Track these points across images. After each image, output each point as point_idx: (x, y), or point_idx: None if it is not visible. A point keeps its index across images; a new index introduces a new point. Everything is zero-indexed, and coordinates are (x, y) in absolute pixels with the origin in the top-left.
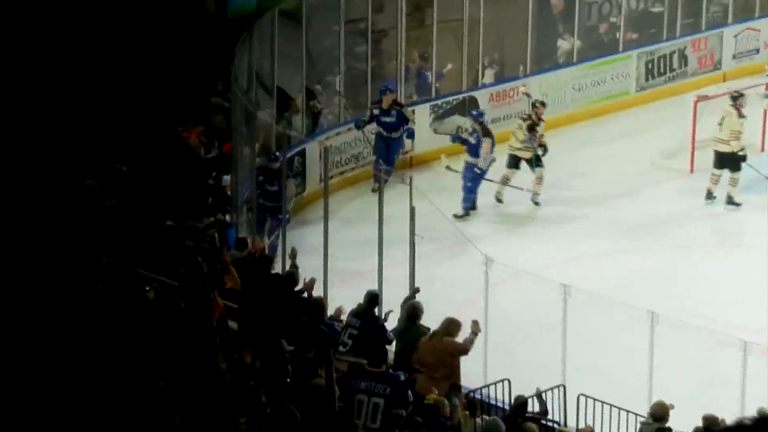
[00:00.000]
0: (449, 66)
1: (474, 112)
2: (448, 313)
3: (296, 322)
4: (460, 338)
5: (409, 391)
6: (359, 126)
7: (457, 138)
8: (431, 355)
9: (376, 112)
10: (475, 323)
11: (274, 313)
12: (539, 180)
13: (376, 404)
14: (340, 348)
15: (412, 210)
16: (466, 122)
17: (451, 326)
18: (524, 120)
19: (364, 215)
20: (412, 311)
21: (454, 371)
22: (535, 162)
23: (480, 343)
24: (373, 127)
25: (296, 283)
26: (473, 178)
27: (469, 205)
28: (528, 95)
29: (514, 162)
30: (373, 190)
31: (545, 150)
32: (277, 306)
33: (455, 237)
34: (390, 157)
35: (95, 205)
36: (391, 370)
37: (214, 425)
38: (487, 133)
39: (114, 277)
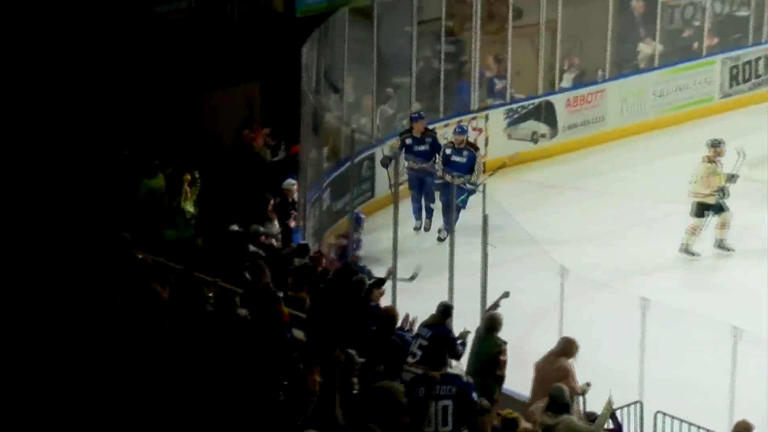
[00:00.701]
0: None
1: (458, 129)
2: (521, 325)
3: (366, 333)
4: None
5: (474, 393)
6: (386, 164)
7: (444, 158)
8: (547, 381)
9: (408, 141)
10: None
11: (344, 323)
12: (724, 225)
13: (444, 407)
14: (409, 359)
15: (485, 218)
16: (541, 127)
17: (567, 346)
18: (709, 161)
19: (435, 222)
20: (491, 322)
21: None
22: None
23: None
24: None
25: (364, 291)
26: (466, 196)
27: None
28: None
29: (700, 210)
30: (415, 229)
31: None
32: (346, 315)
33: (530, 246)
34: (447, 202)
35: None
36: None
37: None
38: (476, 148)
39: (177, 283)
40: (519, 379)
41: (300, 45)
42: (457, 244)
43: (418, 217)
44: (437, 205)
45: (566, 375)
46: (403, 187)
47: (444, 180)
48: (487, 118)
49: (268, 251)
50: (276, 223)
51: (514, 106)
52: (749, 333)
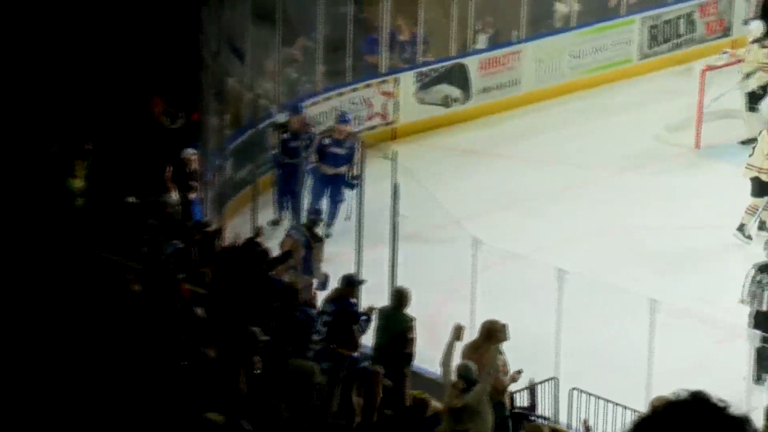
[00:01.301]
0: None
1: (342, 118)
2: (432, 300)
3: (269, 309)
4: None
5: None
6: (280, 163)
7: (319, 148)
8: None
9: (326, 141)
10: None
11: (245, 298)
12: None
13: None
14: (315, 336)
15: (395, 187)
16: (453, 91)
17: (491, 332)
18: None
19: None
20: (399, 297)
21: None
22: None
23: (465, 331)
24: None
25: (268, 262)
26: (343, 189)
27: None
28: None
29: (761, 188)
30: (274, 222)
31: None
32: (248, 291)
33: (443, 216)
34: (334, 200)
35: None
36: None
37: (183, 421)
38: (358, 139)
39: (71, 258)
40: (430, 356)
41: (200, 6)
42: (367, 214)
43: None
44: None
45: (499, 382)
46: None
47: (324, 173)
48: (396, 81)
49: (168, 224)
50: (175, 194)
51: (425, 69)
52: (668, 305)
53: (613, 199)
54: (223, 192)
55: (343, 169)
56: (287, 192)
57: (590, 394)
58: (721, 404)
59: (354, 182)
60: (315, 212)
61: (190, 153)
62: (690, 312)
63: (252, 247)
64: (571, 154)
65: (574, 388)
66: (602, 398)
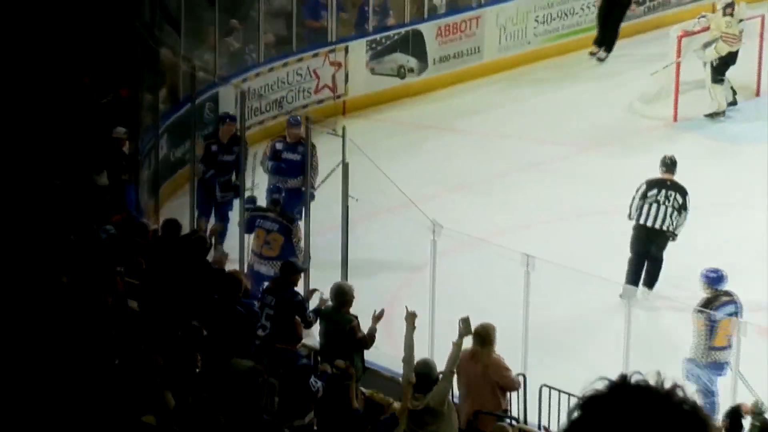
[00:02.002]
0: None
1: (292, 120)
2: (387, 289)
3: (209, 302)
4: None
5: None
6: (206, 179)
7: (275, 167)
8: (479, 379)
9: (279, 146)
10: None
11: (184, 291)
12: None
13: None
14: (259, 332)
15: (345, 167)
16: (409, 61)
17: (487, 335)
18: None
19: None
20: (339, 296)
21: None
22: None
23: (424, 323)
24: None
25: (207, 250)
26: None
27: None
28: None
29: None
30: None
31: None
32: (186, 282)
33: (398, 197)
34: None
35: None
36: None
37: (116, 423)
38: (312, 144)
39: None
40: (386, 353)
41: None
42: (318, 196)
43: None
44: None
45: (502, 369)
46: (251, 133)
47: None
48: (346, 50)
49: (99, 208)
50: (105, 176)
51: (378, 36)
52: (643, 291)
53: (579, 177)
54: (158, 173)
55: (297, 181)
56: (207, 211)
57: (561, 392)
58: (659, 389)
59: (314, 192)
60: (276, 190)
61: (121, 132)
62: (666, 300)
63: (190, 235)
64: (535, 129)
65: (544, 385)
66: (574, 395)
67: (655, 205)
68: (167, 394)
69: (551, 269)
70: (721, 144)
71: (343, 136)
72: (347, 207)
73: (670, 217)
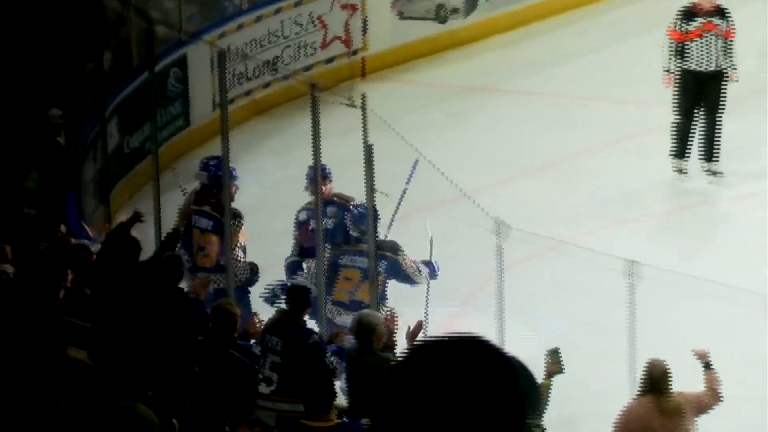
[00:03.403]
0: None
1: (310, 174)
2: (435, 318)
3: (191, 347)
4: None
5: None
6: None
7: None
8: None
9: (302, 216)
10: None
11: (150, 334)
12: None
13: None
14: (262, 388)
15: (368, 149)
16: None
17: (662, 375)
18: None
19: (289, 159)
20: (364, 331)
21: None
22: None
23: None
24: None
25: (180, 275)
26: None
27: None
28: None
29: None
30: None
31: None
32: (154, 321)
33: (442, 190)
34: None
35: None
36: (346, 420)
37: None
38: (347, 200)
39: None
40: None
41: None
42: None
43: None
44: None
45: (696, 400)
46: (234, 108)
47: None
48: None
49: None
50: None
51: None
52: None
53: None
54: (106, 171)
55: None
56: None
57: None
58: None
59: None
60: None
61: (55, 115)
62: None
63: (158, 254)
64: (629, 88)
65: None
66: None
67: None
68: None
69: (662, 277)
70: None
71: (363, 108)
72: (374, 206)
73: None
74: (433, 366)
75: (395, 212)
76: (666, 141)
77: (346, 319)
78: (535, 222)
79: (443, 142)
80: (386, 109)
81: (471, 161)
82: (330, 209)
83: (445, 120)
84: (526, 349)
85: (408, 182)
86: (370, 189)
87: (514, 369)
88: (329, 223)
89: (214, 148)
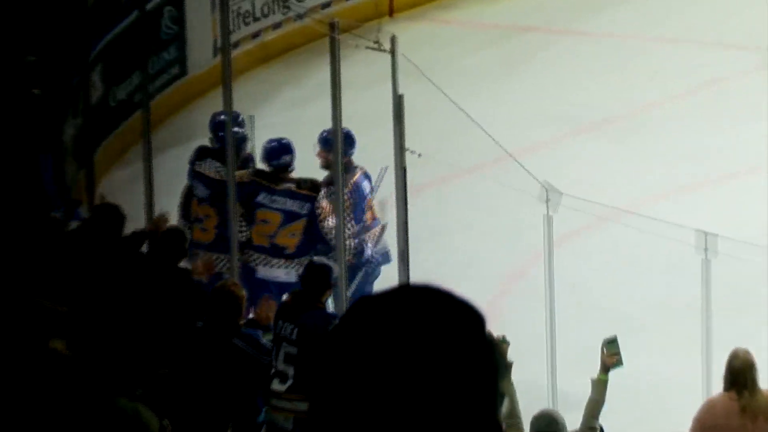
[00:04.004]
0: None
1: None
2: (477, 296)
3: (189, 336)
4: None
5: None
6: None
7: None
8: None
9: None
10: None
11: (138, 314)
12: None
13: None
14: (275, 384)
15: (399, 101)
16: None
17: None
18: None
19: (305, 114)
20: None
21: None
22: None
23: (539, 348)
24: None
25: (182, 253)
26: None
27: None
28: None
29: None
30: None
31: None
32: (147, 307)
33: (484, 150)
34: None
35: None
36: None
37: None
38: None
39: None
40: None
41: None
42: (360, 149)
43: None
44: None
45: None
46: (238, 54)
47: None
48: None
49: None
50: None
51: None
52: None
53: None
54: (89, 128)
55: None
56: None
57: None
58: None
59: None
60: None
61: (31, 60)
62: None
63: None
64: (716, 29)
65: None
66: None
67: None
68: None
69: (741, 252)
70: None
71: (393, 52)
72: (404, 168)
73: None
74: (381, 320)
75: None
76: (756, 90)
77: (273, 272)
78: (593, 187)
79: (486, 93)
80: (419, 54)
81: (519, 116)
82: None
83: (488, 67)
84: (580, 337)
85: (374, 191)
86: (400, 148)
87: (479, 316)
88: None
89: (215, 103)
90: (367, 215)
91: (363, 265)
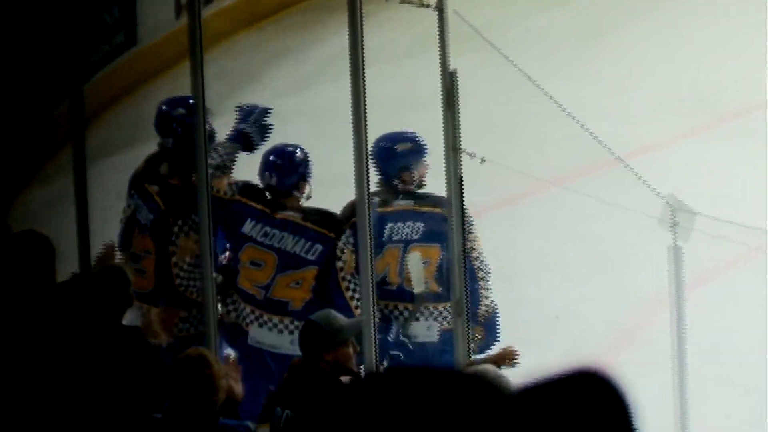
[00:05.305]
0: None
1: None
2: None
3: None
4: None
5: None
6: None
7: None
8: None
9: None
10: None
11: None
12: None
13: None
14: None
15: (450, 79)
16: None
17: None
18: None
19: (311, 98)
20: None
21: None
22: None
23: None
24: None
25: (126, 300)
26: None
27: None
28: None
29: None
30: None
31: None
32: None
33: (578, 148)
34: None
35: None
36: None
37: None
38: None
39: None
40: None
41: None
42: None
43: None
44: None
45: None
46: (209, 13)
47: None
48: None
49: None
50: None
51: None
52: None
53: None
54: None
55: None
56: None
57: None
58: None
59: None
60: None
61: None
62: None
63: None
64: None
65: None
66: None
67: None
68: None
69: None
70: None
71: (441, 10)
72: (460, 178)
73: None
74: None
75: None
76: None
77: (271, 337)
78: (729, 202)
79: (574, 70)
80: (479, 15)
81: (621, 102)
82: None
83: (574, 35)
84: (719, 411)
85: None
86: (452, 148)
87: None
88: None
89: (181, 84)
90: None
91: None
